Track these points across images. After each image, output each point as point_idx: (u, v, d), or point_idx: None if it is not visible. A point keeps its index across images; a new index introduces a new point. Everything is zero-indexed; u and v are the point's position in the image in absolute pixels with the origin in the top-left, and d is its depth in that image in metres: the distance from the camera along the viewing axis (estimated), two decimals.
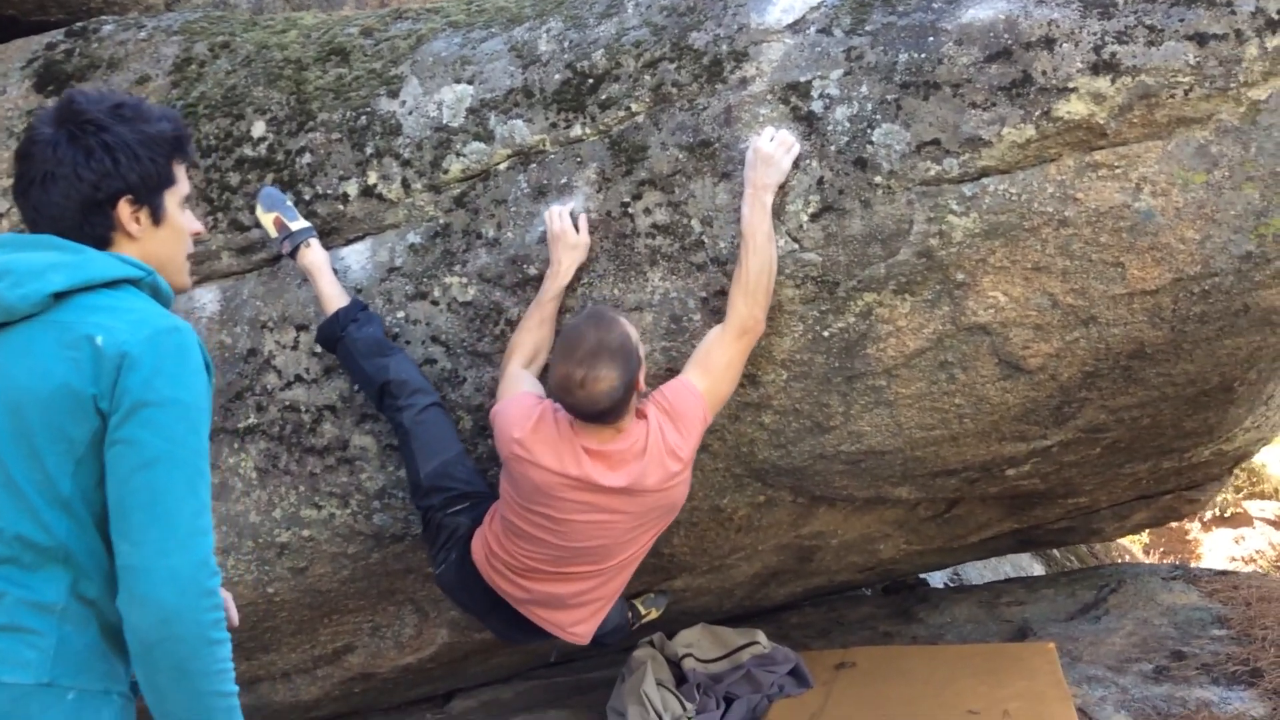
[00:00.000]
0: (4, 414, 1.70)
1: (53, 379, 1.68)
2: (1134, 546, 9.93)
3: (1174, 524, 8.83)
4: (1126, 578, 4.71)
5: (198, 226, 1.98)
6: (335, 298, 3.11)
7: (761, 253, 2.79)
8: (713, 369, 2.82)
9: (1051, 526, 4.42)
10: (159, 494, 1.64)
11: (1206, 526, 11.27)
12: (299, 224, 3.20)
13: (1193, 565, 6.72)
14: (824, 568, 4.11)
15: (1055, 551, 7.30)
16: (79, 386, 1.67)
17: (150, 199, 1.85)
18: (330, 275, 3.16)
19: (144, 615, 1.62)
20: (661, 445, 2.75)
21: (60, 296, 1.73)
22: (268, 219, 3.21)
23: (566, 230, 2.98)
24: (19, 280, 1.72)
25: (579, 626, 2.99)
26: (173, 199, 1.89)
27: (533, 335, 2.99)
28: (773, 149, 2.83)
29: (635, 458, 2.73)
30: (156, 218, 1.87)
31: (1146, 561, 9.16)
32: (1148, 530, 9.46)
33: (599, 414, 2.68)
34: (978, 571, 6.51)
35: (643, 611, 3.71)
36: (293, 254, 3.18)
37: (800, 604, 4.86)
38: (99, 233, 1.82)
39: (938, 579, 6.02)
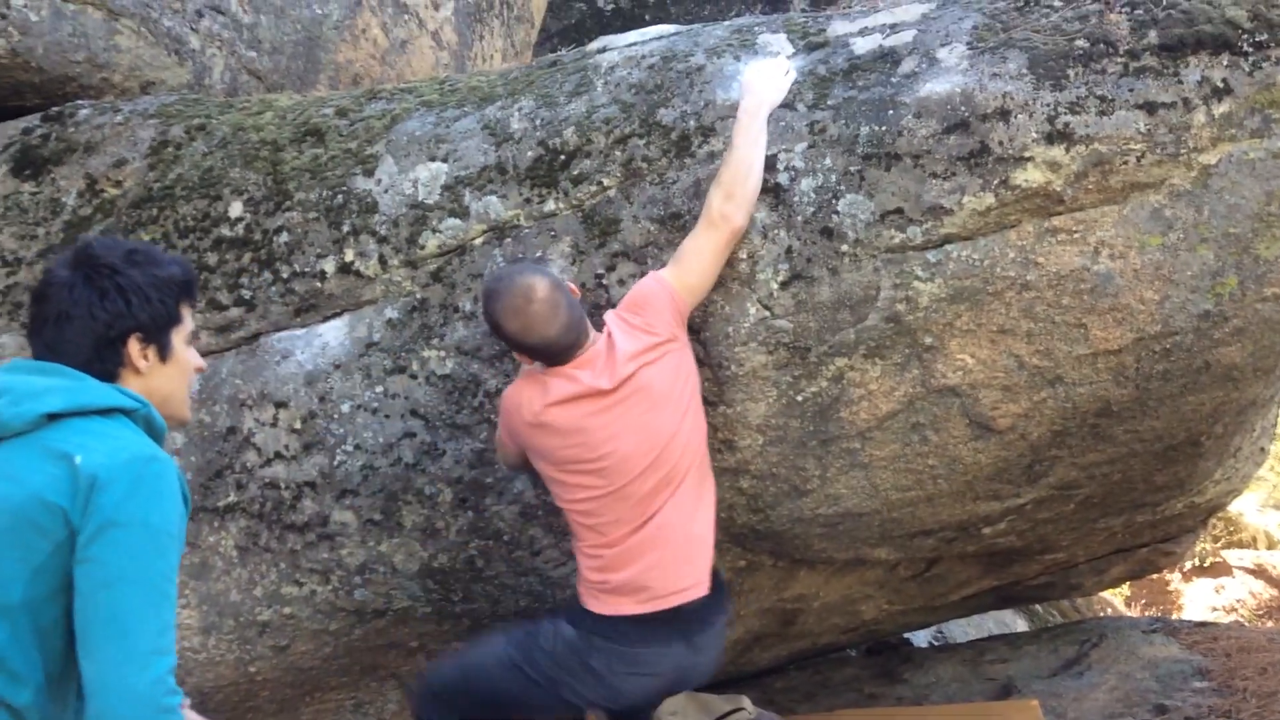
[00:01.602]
0: None
1: (26, 488, 1.75)
2: (1116, 599, 9.95)
3: (1154, 576, 8.86)
4: (1108, 632, 4.73)
5: (200, 362, 2.10)
6: None
7: (739, 150, 2.84)
8: (681, 257, 2.85)
9: (1031, 583, 4.45)
10: (120, 613, 1.71)
11: (1187, 577, 11.31)
12: None
13: (1173, 617, 6.74)
14: (807, 630, 4.12)
15: (1038, 607, 7.31)
16: (50, 498, 1.74)
17: (159, 337, 1.98)
18: None
19: None
20: (626, 330, 2.77)
21: (54, 418, 1.81)
22: None
23: None
24: (16, 399, 1.81)
25: (703, 573, 2.87)
26: (179, 337, 2.02)
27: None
28: (771, 66, 2.97)
29: (605, 355, 2.76)
30: (164, 355, 1.99)
31: (1128, 614, 9.18)
32: (1128, 583, 9.50)
33: (562, 329, 2.72)
34: (962, 629, 6.52)
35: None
36: None
37: (784, 667, 4.85)
38: (108, 368, 1.94)
39: (922, 638, 6.02)
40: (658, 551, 2.80)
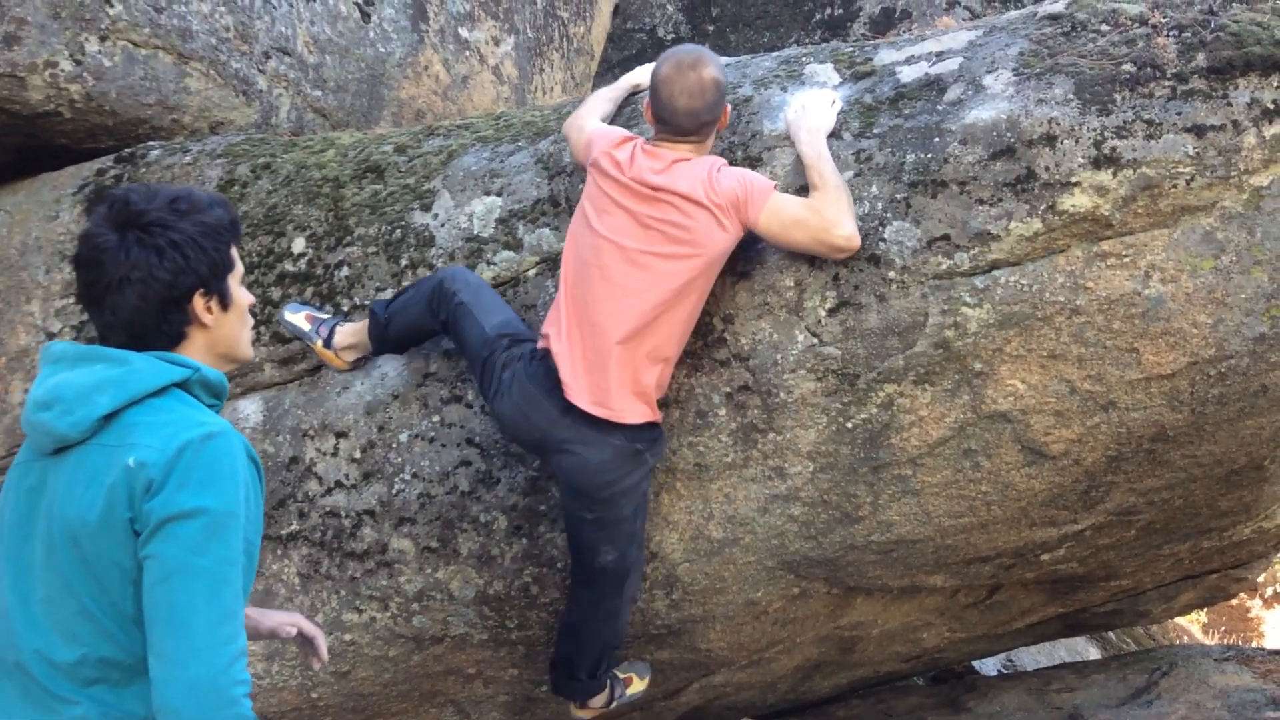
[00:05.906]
0: (68, 545, 1.76)
1: (97, 509, 1.74)
2: (1193, 627, 9.70)
3: (1233, 602, 8.63)
4: (1178, 660, 4.63)
5: (250, 299, 2.02)
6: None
7: (831, 180, 2.85)
8: (786, 198, 2.87)
9: (1098, 610, 4.38)
10: (176, 606, 1.68)
11: (1268, 603, 11.00)
12: (326, 315, 3.41)
13: (1245, 646, 6.57)
14: (867, 658, 4.10)
15: (1111, 635, 7.17)
16: (119, 513, 1.73)
17: (219, 287, 1.90)
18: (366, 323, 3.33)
19: None
20: (707, 169, 2.84)
21: (108, 417, 1.78)
22: (298, 317, 3.39)
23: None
24: (69, 408, 1.78)
25: (620, 403, 2.88)
26: (235, 281, 1.94)
27: (605, 106, 3.29)
28: (818, 97, 3.04)
29: (679, 169, 2.85)
30: (225, 303, 1.92)
31: (1203, 642, 8.95)
32: (1205, 610, 9.26)
33: (700, 109, 2.84)
34: (1032, 657, 6.41)
35: (621, 676, 3.51)
36: (329, 338, 3.33)
37: (847, 696, 4.81)
38: (176, 329, 1.87)
39: (992, 666, 5.94)
40: (590, 354, 2.88)
